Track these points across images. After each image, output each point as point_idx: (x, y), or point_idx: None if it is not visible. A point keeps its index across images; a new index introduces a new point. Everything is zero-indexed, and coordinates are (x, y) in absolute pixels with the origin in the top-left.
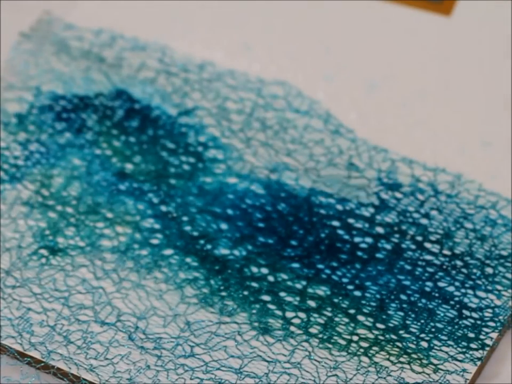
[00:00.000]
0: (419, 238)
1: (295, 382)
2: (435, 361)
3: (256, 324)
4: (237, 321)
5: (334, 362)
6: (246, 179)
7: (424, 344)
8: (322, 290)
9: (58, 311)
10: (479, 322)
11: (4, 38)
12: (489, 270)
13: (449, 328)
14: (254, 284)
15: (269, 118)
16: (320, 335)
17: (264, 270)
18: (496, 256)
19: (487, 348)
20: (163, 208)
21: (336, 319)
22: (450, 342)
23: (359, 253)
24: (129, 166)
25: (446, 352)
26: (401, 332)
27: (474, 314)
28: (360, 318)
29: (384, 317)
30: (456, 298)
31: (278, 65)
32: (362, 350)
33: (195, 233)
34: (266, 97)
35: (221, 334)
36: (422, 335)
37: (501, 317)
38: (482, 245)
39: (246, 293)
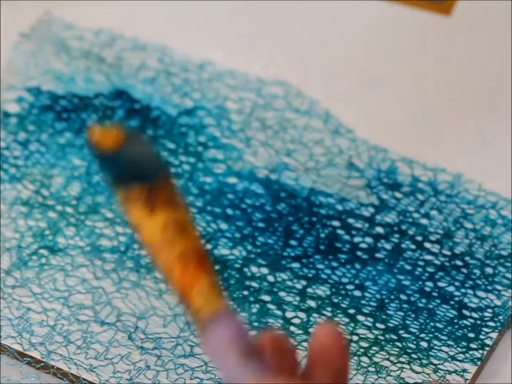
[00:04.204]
0: (419, 238)
1: None
2: (435, 361)
3: (256, 324)
4: None
5: None
6: (246, 179)
7: (424, 344)
8: (322, 290)
9: (58, 311)
10: (479, 322)
11: (4, 38)
12: (489, 270)
13: (449, 328)
14: (254, 284)
15: (269, 118)
16: None
17: (264, 270)
18: (496, 256)
19: (487, 348)
20: None
21: (336, 319)
22: (450, 342)
23: (359, 253)
24: None
25: (446, 352)
26: (401, 331)
27: (474, 314)
28: (360, 318)
29: (384, 317)
30: (456, 298)
31: (278, 65)
32: (362, 350)
33: None
34: (266, 97)
35: None
36: (422, 335)
37: (501, 317)
38: (482, 245)
39: (246, 293)
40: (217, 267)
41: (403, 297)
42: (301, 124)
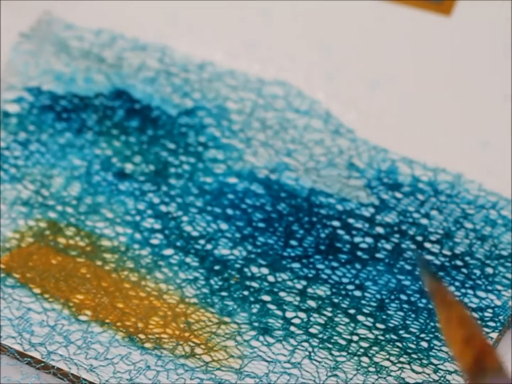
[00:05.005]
0: (419, 238)
1: (295, 382)
2: (435, 361)
3: (256, 324)
4: (237, 321)
5: (334, 362)
6: (246, 179)
7: (424, 344)
8: (322, 290)
9: (59, 311)
10: (479, 322)
11: (4, 38)
12: (489, 270)
13: None
14: (254, 284)
15: (269, 118)
16: (320, 335)
17: (264, 270)
18: (496, 256)
19: None
20: (163, 208)
21: (336, 319)
22: None
23: (359, 253)
24: (129, 166)
25: (446, 352)
26: (401, 331)
27: (474, 314)
28: (360, 318)
29: (384, 317)
30: (456, 298)
31: (278, 65)
32: (362, 350)
33: (195, 233)
34: (266, 97)
35: (221, 334)
36: (422, 335)
37: (501, 317)
38: (482, 245)
39: (246, 293)
40: (217, 267)
41: (403, 297)
42: (301, 124)
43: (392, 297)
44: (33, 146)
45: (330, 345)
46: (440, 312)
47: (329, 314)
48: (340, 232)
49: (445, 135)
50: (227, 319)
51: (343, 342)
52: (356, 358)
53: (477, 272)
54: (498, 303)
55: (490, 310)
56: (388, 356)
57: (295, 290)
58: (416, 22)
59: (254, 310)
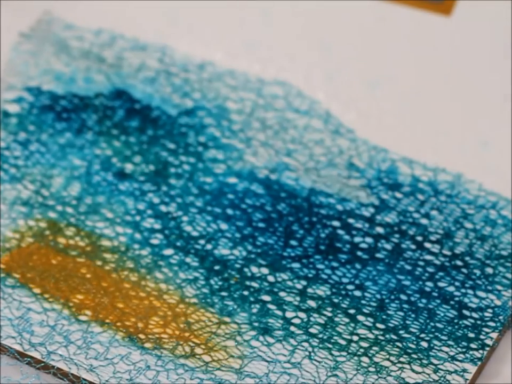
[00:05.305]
0: (419, 238)
1: (295, 382)
2: (435, 361)
3: (256, 324)
4: (237, 321)
5: (334, 362)
6: (246, 179)
7: (424, 344)
8: (322, 290)
9: (59, 311)
10: (479, 322)
11: (4, 38)
12: (489, 270)
13: (449, 328)
14: (254, 284)
15: (269, 118)
16: (320, 335)
17: (264, 270)
18: (496, 256)
19: (487, 348)
20: (163, 208)
21: (336, 319)
22: (450, 342)
23: (359, 253)
24: (129, 166)
25: (446, 352)
26: (401, 331)
27: (474, 314)
28: (360, 318)
29: (384, 317)
30: (456, 298)
31: (278, 65)
32: (362, 350)
33: (195, 233)
34: (266, 97)
35: (221, 334)
36: (422, 335)
37: (501, 317)
38: (482, 245)
39: (246, 293)
40: (217, 267)
41: (403, 297)
42: (301, 124)
43: (392, 297)
44: (33, 146)
45: (330, 345)
46: None
47: (329, 314)
48: (340, 232)
49: (445, 135)
50: (227, 319)
51: (343, 342)
52: (356, 358)
53: (477, 272)
54: (498, 303)
55: (490, 310)
56: (388, 356)
57: (295, 290)
58: (416, 22)
59: (254, 310)
